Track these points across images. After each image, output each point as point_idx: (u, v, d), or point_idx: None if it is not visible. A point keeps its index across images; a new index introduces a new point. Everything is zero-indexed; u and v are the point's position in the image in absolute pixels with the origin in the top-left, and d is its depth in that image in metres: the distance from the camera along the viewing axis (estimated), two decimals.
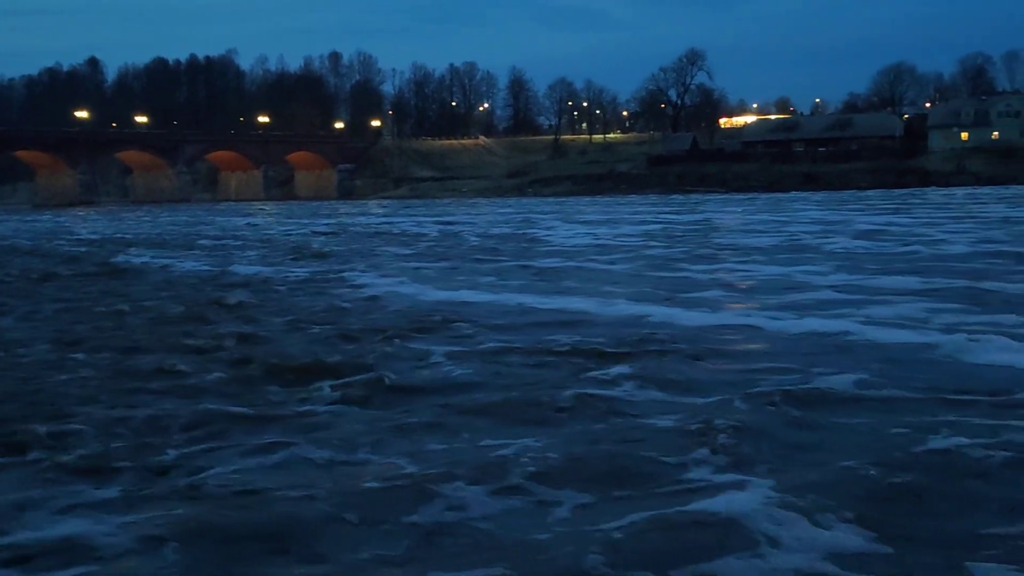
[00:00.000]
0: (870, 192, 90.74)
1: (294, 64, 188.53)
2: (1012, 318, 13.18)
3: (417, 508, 6.46)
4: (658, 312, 14.95)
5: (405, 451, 7.85)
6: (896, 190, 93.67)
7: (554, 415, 8.89)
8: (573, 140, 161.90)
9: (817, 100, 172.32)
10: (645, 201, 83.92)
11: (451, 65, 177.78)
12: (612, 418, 8.78)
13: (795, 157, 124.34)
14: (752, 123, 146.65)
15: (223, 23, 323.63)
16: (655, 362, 11.14)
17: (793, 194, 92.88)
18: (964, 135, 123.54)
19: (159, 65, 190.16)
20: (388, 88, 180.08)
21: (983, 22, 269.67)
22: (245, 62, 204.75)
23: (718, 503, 6.31)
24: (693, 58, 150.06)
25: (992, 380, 9.68)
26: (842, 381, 9.74)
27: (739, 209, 61.35)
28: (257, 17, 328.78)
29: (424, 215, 67.10)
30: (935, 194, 78.44)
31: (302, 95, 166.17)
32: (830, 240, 30.03)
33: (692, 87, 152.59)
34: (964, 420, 8.21)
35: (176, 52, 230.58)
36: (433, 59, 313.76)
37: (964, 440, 7.53)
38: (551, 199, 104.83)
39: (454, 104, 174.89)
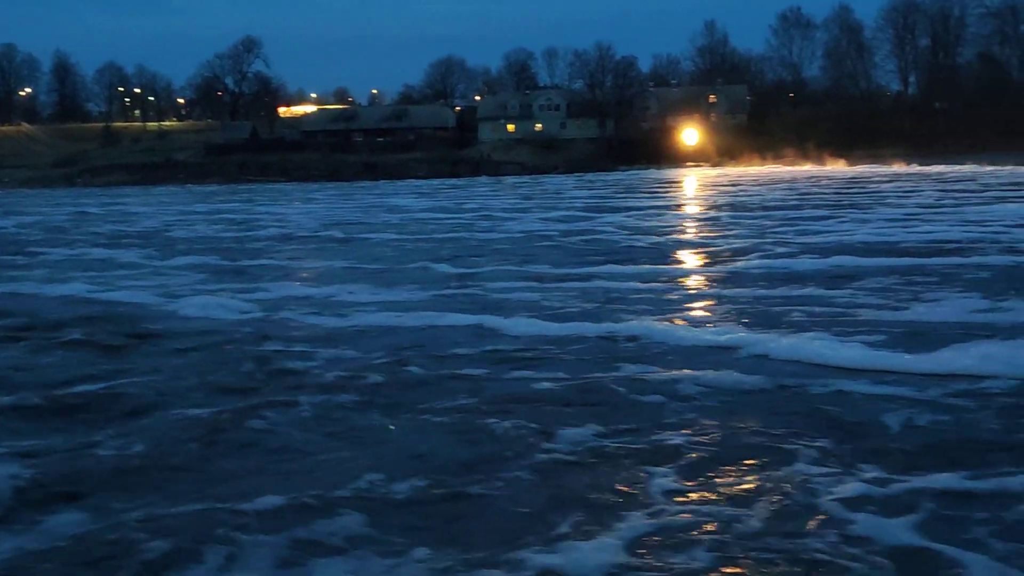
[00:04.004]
0: (427, 181, 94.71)
1: None
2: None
3: None
4: None
5: None
6: (450, 179, 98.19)
7: None
8: (126, 128, 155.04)
9: (374, 91, 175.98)
10: (168, 192, 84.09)
11: None
12: None
13: (355, 147, 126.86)
14: (312, 113, 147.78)
15: None
16: None
17: (321, 184, 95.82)
18: (511, 127, 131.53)
19: None
20: None
21: (525, 20, 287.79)
22: None
23: None
24: (249, 45, 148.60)
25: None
26: None
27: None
28: None
29: None
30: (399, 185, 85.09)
31: None
32: (191, 229, 33.86)
33: (249, 75, 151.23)
34: None
35: None
36: None
37: None
38: (100, 189, 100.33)
39: None
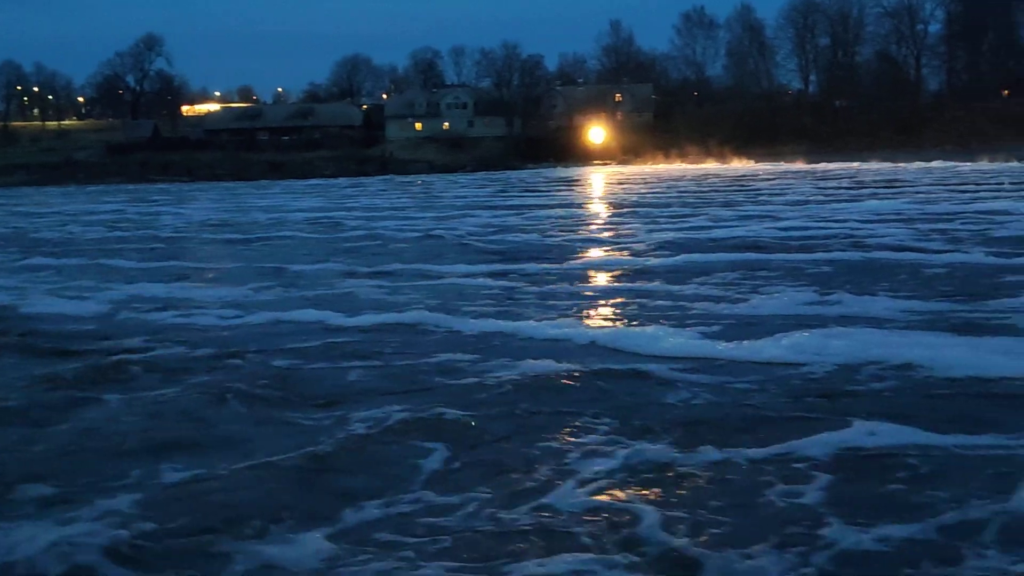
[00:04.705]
0: (325, 180, 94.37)
1: None
2: None
3: None
4: None
5: None
6: (357, 178, 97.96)
7: None
8: (25, 127, 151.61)
9: (279, 89, 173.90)
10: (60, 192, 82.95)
11: None
12: None
13: (260, 146, 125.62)
14: (216, 111, 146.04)
15: None
16: None
17: (255, 183, 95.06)
18: (418, 125, 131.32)
19: None
20: None
21: (432, 19, 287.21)
22: None
23: None
24: (151, 43, 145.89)
25: None
26: None
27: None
28: None
29: None
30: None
31: None
32: (61, 230, 33.89)
33: (151, 73, 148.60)
34: None
35: None
36: None
37: None
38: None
39: None
